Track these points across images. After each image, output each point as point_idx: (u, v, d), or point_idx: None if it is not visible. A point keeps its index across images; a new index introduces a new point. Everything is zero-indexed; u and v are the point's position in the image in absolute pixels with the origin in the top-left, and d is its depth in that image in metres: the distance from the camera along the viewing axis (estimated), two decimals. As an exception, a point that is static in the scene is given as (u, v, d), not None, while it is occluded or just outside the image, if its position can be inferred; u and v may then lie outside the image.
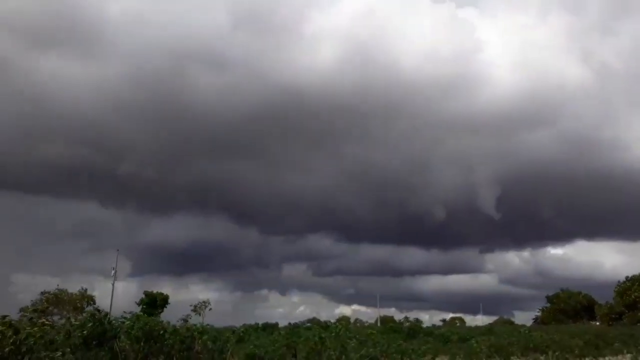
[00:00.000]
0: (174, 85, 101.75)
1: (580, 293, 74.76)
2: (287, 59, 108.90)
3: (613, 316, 63.10)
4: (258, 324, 45.22)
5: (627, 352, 21.45)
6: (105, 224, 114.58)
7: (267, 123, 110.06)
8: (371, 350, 12.69)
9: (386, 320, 66.38)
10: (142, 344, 9.79)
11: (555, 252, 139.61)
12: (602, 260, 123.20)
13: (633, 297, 61.75)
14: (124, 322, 9.90)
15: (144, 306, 42.03)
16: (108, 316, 10.23)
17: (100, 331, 9.31)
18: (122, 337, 9.71)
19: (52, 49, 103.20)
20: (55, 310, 34.75)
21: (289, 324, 52.08)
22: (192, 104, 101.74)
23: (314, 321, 57.65)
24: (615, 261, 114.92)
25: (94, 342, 9.29)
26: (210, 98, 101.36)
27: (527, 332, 20.74)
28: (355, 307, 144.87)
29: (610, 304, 65.81)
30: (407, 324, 36.01)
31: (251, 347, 12.73)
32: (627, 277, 65.35)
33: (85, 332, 9.08)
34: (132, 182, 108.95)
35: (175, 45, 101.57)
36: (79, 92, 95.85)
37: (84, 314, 9.59)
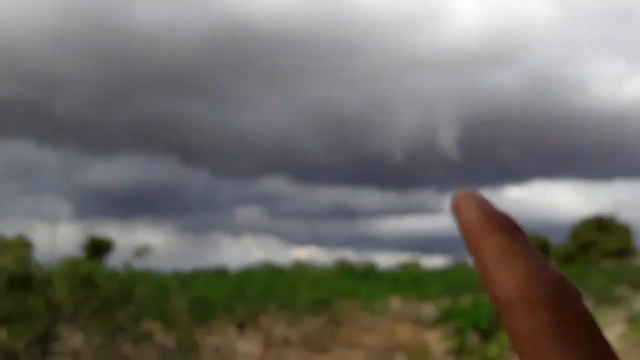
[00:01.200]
0: (115, 16, 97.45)
1: (535, 234, 77.52)
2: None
3: (567, 258, 65.85)
4: (208, 267, 45.08)
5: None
6: (42, 165, 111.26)
7: (217, 57, 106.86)
8: (322, 292, 12.68)
9: (341, 263, 67.57)
10: (77, 289, 9.37)
11: (514, 192, 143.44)
12: (558, 201, 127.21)
13: (586, 239, 64.34)
14: (61, 267, 9.49)
15: (88, 251, 41.42)
16: (39, 259, 9.76)
17: (26, 274, 8.84)
18: (54, 282, 9.27)
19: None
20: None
21: (241, 267, 52.27)
22: (135, 35, 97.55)
23: (267, 264, 58.03)
24: (572, 202, 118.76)
25: (23, 286, 8.83)
26: (154, 29, 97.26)
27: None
28: (310, 249, 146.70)
29: (564, 246, 68.56)
30: (361, 265, 36.43)
31: (198, 290, 12.50)
32: (581, 219, 67.91)
33: (8, 275, 8.61)
34: (71, 120, 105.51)
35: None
36: (9, 23, 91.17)
37: (6, 257, 9.05)
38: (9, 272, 8.67)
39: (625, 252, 63.54)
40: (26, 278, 8.84)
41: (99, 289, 9.87)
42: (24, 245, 34.15)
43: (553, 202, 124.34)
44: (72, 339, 9.74)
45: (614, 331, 13.08)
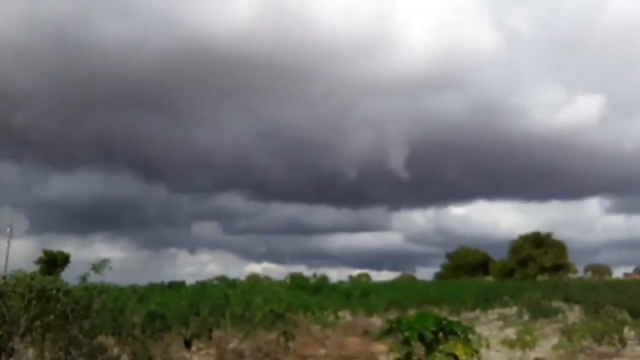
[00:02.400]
0: (77, 31, 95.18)
1: (477, 250, 79.91)
2: (199, 9, 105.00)
3: (505, 272, 68.14)
4: (164, 282, 44.42)
5: (514, 305, 23.23)
6: (0, 178, 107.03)
7: (176, 75, 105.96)
8: (275, 306, 12.93)
9: (295, 277, 67.77)
10: (32, 303, 9.33)
11: (457, 211, 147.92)
12: (499, 219, 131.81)
13: (524, 254, 66.86)
14: (11, 281, 9.38)
15: (43, 265, 40.17)
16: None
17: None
18: (11, 295, 9.20)
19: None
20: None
21: (197, 282, 51.67)
22: (97, 52, 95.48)
23: (222, 279, 57.62)
24: (511, 220, 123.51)
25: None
26: (115, 46, 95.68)
27: (423, 287, 21.94)
28: (265, 265, 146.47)
29: (503, 261, 70.94)
30: (314, 280, 36.84)
31: (153, 305, 12.55)
32: (520, 236, 70.58)
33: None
34: (30, 134, 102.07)
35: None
36: None
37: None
38: None
39: (560, 267, 66.52)
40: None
41: (54, 303, 9.84)
42: None
43: (493, 220, 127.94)
44: (26, 353, 9.65)
45: (549, 342, 13.95)
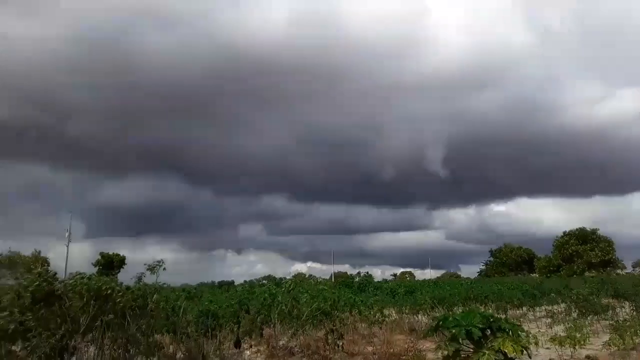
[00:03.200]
0: (123, 45, 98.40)
1: (521, 247, 78.40)
2: (238, 19, 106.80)
3: (551, 269, 66.67)
4: (214, 282, 45.40)
5: (562, 302, 22.82)
6: (57, 186, 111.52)
7: (218, 83, 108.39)
8: (321, 304, 13.14)
9: (339, 276, 68.09)
10: (92, 302, 9.77)
11: (498, 208, 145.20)
12: (541, 216, 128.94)
13: (570, 251, 65.26)
14: (72, 281, 9.85)
15: (100, 267, 41.65)
16: (56, 275, 10.17)
17: (48, 290, 9.25)
18: (71, 296, 9.66)
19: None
20: (9, 274, 33.97)
21: (245, 281, 52.68)
22: (143, 63, 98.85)
23: (269, 278, 58.56)
24: (554, 217, 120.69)
25: (42, 302, 9.24)
26: (160, 57, 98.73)
27: (468, 284, 21.77)
28: (310, 264, 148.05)
29: (549, 257, 69.40)
30: (358, 278, 36.96)
31: (205, 303, 12.94)
32: (564, 232, 68.93)
33: (29, 291, 9.02)
34: (83, 144, 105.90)
35: (123, 3, 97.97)
36: (25, 51, 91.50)
37: (30, 274, 9.43)
38: (34, 289, 9.03)
39: (608, 263, 64.62)
40: (48, 294, 9.24)
41: (112, 303, 10.27)
42: (39, 261, 34.22)
43: (536, 217, 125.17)
44: (87, 351, 10.06)
45: (599, 339, 13.71)
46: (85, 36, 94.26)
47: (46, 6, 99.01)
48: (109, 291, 10.20)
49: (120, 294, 10.43)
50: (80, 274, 10.64)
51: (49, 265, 35.33)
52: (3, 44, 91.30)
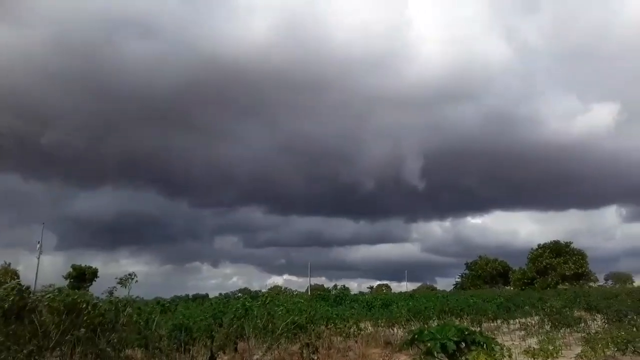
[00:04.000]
0: (102, 53, 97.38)
1: (496, 260, 79.11)
2: (219, 29, 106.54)
3: (525, 281, 67.35)
4: (188, 295, 44.88)
5: (536, 315, 23.05)
6: (29, 195, 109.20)
7: (196, 93, 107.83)
8: (297, 317, 13.07)
9: (316, 289, 67.85)
10: (63, 317, 9.58)
11: (475, 221, 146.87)
12: (517, 229, 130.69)
13: (544, 263, 66.10)
14: (44, 295, 9.64)
15: (72, 280, 40.85)
16: (29, 289, 9.94)
17: (21, 305, 9.04)
18: (43, 310, 9.46)
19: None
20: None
21: (220, 294, 52.21)
22: (121, 72, 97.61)
23: (245, 291, 58.19)
24: (529, 230, 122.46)
25: (13, 316, 9.02)
26: (139, 66, 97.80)
27: (444, 297, 21.88)
28: (286, 277, 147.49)
29: (523, 270, 70.14)
30: (335, 291, 36.88)
31: (179, 317, 12.76)
32: (538, 245, 69.84)
33: (5, 305, 8.80)
34: (57, 153, 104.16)
35: (103, 11, 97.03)
36: (0, 58, 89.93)
37: (3, 288, 9.20)
38: (8, 303, 8.82)
39: (581, 275, 65.60)
40: (20, 308, 9.03)
41: (83, 317, 10.08)
42: (9, 274, 33.37)
43: (511, 229, 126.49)
44: (57, 366, 9.83)
45: (572, 351, 13.88)
46: (63, 43, 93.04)
47: (24, 12, 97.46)
48: (83, 305, 10.02)
49: (94, 307, 10.27)
50: (51, 286, 10.43)
51: (18, 277, 34.60)
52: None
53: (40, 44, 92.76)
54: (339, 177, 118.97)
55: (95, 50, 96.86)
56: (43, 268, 42.71)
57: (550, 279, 64.24)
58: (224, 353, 12.91)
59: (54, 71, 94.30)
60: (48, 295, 9.58)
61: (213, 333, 12.43)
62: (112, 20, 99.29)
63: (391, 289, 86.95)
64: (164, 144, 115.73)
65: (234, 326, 12.37)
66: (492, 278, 78.24)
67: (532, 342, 15.47)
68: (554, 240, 67.97)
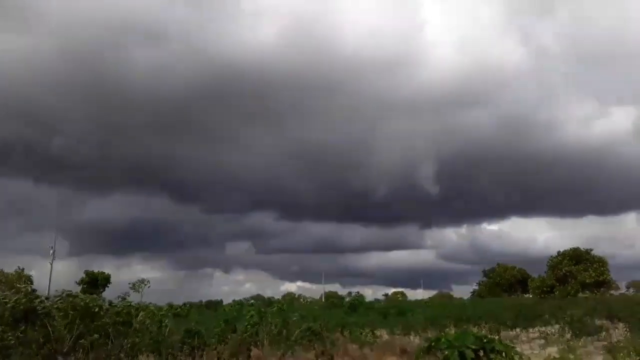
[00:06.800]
0: (111, 59, 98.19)
1: (514, 267, 78.00)
2: (227, 34, 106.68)
3: (545, 289, 66.25)
4: (202, 301, 44.88)
5: (555, 323, 22.59)
6: (41, 202, 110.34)
7: (206, 99, 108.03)
8: (312, 324, 12.91)
9: (330, 296, 67.50)
10: (76, 321, 9.55)
11: (491, 228, 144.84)
12: (534, 235, 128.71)
13: (563, 271, 65.00)
14: (57, 300, 9.63)
15: (85, 285, 41.07)
16: (37, 293, 9.93)
17: (30, 308, 9.02)
18: (55, 314, 9.44)
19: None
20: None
21: (233, 300, 52.12)
22: (129, 78, 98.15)
23: (258, 298, 58.06)
24: (547, 237, 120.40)
25: (24, 320, 9.01)
26: (147, 72, 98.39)
27: (460, 305, 21.53)
28: (300, 283, 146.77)
29: (543, 278, 69.03)
30: (349, 298, 36.55)
31: (193, 323, 12.69)
32: (558, 252, 68.69)
33: (15, 308, 8.79)
34: (68, 160, 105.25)
35: (110, 18, 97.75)
36: (9, 66, 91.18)
37: (14, 292, 9.19)
38: (15, 307, 8.81)
39: (602, 283, 64.37)
40: (30, 312, 9.02)
41: (97, 322, 10.03)
42: (22, 279, 33.69)
43: (529, 236, 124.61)
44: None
45: (593, 361, 13.52)
46: (72, 50, 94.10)
47: (31, 20, 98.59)
48: (96, 309, 9.98)
49: (106, 311, 10.22)
50: (66, 291, 10.41)
51: (32, 283, 34.82)
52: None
53: (48, 51, 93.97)
54: (351, 183, 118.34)
55: (103, 57, 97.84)
56: (56, 274, 43.12)
57: (570, 287, 63.09)
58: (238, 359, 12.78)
59: (63, 78, 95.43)
60: (58, 299, 9.56)
61: (227, 339, 12.32)
62: (119, 27, 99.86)
63: (406, 297, 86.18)
64: (174, 150, 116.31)
65: (248, 333, 12.24)
66: (511, 286, 77.15)
67: (552, 350, 15.10)
68: (573, 247, 66.85)
